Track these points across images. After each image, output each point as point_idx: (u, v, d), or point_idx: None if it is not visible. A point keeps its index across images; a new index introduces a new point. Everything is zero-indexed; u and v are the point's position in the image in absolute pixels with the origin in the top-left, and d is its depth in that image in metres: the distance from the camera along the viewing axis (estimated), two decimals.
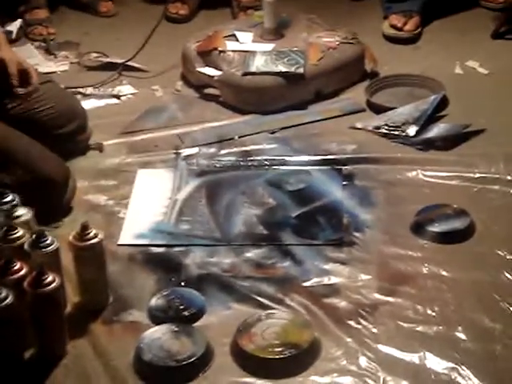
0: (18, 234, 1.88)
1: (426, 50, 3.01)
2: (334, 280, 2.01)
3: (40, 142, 2.24)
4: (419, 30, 3.05)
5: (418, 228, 2.14)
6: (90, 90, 2.81)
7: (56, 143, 2.29)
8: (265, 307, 1.93)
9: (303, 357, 1.79)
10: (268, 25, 2.85)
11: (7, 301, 1.73)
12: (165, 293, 1.97)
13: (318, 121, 2.63)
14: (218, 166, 2.41)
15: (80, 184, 2.31)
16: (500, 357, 1.79)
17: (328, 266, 2.04)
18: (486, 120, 2.55)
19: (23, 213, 1.94)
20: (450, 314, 1.90)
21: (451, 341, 1.83)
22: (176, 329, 1.85)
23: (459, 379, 1.74)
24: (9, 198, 1.99)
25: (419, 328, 1.87)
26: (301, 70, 2.69)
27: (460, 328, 1.85)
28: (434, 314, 1.90)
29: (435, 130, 2.52)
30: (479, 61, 2.90)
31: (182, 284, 2.02)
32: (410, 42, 3.03)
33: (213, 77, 2.75)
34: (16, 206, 1.95)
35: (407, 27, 3.04)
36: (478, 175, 2.32)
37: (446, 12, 3.18)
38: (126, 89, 2.84)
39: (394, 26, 3.04)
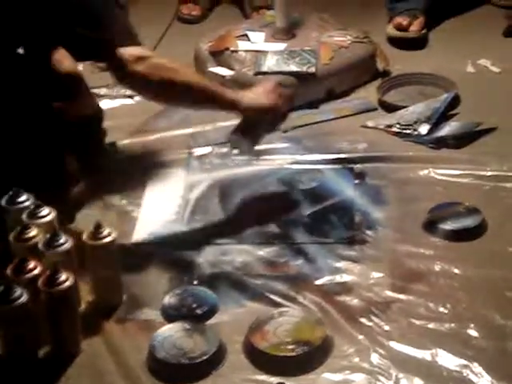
0: (32, 233, 1.89)
1: (438, 48, 2.99)
2: (346, 278, 2.01)
3: None
4: (425, 31, 3.00)
5: (430, 226, 2.15)
6: (104, 91, 2.81)
7: None
8: (277, 305, 1.93)
9: (315, 354, 1.79)
10: (280, 24, 2.85)
11: (21, 299, 1.74)
12: (178, 291, 1.98)
13: (330, 120, 2.63)
14: (230, 165, 2.42)
15: (94, 183, 2.33)
16: None
17: (340, 264, 2.05)
18: (498, 118, 2.54)
19: (47, 213, 1.94)
20: (462, 312, 1.90)
21: (463, 338, 1.83)
22: (189, 327, 1.86)
23: (471, 376, 1.74)
24: (23, 198, 1.99)
25: (431, 325, 1.87)
26: (312, 70, 2.69)
27: (472, 325, 1.86)
28: (446, 311, 1.90)
29: (447, 129, 2.52)
30: (491, 59, 2.89)
31: (195, 282, 2.02)
32: (416, 44, 2.97)
33: (225, 77, 2.75)
34: (40, 205, 1.94)
35: (413, 28, 2.98)
36: (490, 173, 2.32)
37: (456, 10, 3.16)
38: None
39: (399, 26, 2.98)
